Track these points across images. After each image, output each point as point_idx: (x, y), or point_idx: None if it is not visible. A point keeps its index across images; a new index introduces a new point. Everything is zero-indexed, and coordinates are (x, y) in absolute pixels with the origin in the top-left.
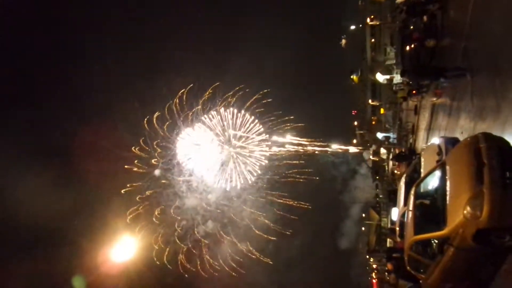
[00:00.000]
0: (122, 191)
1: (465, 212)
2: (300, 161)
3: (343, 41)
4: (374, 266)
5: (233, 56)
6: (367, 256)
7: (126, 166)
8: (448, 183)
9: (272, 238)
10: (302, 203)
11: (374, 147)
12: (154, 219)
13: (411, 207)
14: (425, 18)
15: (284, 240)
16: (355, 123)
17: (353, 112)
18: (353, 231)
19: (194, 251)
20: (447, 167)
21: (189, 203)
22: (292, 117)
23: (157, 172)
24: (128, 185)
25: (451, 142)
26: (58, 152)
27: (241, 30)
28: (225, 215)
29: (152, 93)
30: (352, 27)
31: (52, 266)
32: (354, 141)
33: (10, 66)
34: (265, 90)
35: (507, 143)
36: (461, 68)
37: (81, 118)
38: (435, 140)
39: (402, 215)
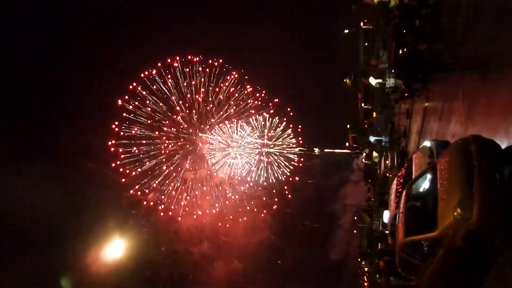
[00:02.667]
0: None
1: (455, 213)
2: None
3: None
4: (366, 269)
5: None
6: (359, 259)
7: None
8: (439, 185)
9: (267, 253)
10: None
11: (366, 150)
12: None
13: (402, 209)
14: (417, 22)
15: (278, 251)
16: (348, 126)
17: None
18: (345, 235)
19: (191, 276)
20: (438, 169)
21: (185, 225)
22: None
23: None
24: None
25: (442, 144)
26: (48, 153)
27: (235, 34)
28: (220, 234)
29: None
30: (346, 30)
31: (42, 266)
32: (347, 144)
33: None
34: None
35: (497, 145)
36: (453, 63)
37: (73, 119)
38: (427, 143)
39: (394, 218)
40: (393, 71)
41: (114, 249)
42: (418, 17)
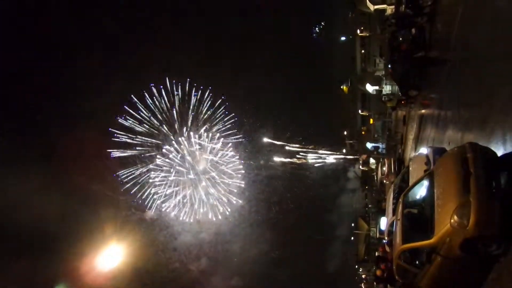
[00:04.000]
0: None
1: (452, 221)
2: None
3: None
4: (363, 276)
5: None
6: (356, 266)
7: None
8: (436, 192)
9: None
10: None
11: (364, 157)
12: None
13: (399, 216)
14: (413, 30)
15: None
16: (345, 132)
17: None
18: (342, 242)
19: None
20: (435, 177)
21: (183, 242)
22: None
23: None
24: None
25: (439, 152)
26: (44, 158)
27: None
28: (217, 250)
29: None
30: (343, 38)
31: (36, 273)
32: (344, 150)
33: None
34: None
35: (493, 153)
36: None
37: (69, 124)
38: (423, 150)
39: (391, 225)
40: (389, 78)
41: (112, 256)
42: (413, 26)
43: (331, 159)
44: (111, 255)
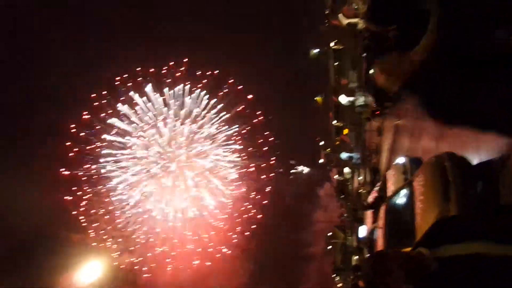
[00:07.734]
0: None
1: None
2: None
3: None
4: (340, 285)
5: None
6: (333, 275)
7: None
8: (416, 201)
9: None
10: None
11: (338, 167)
12: None
13: (381, 224)
14: (385, 44)
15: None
16: (320, 143)
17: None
18: (318, 252)
19: None
20: (415, 185)
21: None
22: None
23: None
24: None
25: (415, 161)
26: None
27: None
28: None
29: None
30: (316, 50)
31: None
32: (320, 161)
33: None
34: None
35: (469, 162)
36: None
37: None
38: (400, 159)
39: (371, 233)
40: (363, 90)
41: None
42: (386, 40)
43: (306, 170)
44: (90, 269)
